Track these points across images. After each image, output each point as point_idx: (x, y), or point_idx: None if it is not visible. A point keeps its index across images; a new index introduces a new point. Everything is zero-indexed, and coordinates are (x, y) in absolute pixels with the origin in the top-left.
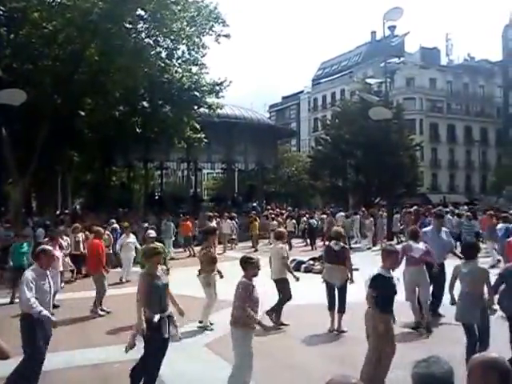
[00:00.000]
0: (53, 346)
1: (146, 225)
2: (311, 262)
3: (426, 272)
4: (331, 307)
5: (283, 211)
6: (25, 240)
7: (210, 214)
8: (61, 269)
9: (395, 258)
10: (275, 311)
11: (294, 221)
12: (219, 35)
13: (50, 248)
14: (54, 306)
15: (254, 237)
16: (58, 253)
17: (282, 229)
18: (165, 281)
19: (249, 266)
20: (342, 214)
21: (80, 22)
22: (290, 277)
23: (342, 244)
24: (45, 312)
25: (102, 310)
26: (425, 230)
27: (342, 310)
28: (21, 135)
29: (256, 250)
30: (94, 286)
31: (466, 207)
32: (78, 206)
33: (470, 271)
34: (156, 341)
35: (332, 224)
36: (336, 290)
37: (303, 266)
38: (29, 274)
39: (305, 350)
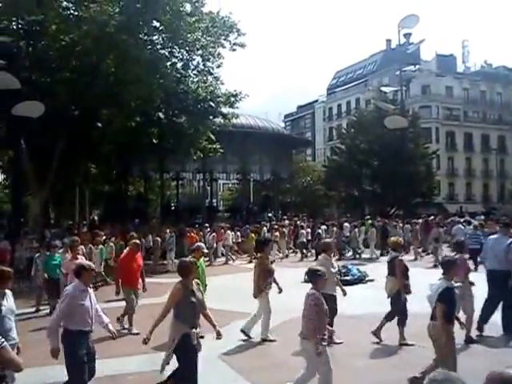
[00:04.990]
0: None
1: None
2: None
3: (466, 285)
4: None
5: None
6: (55, 251)
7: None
8: None
9: (456, 268)
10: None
11: (303, 231)
12: (234, 43)
13: (90, 263)
14: None
15: (250, 248)
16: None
17: (328, 240)
18: (200, 296)
19: (317, 277)
20: (348, 224)
21: (97, 34)
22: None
23: (394, 254)
24: (54, 345)
25: (124, 327)
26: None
27: (387, 318)
28: (39, 147)
29: (250, 261)
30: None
31: (482, 217)
32: (95, 217)
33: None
34: (191, 355)
35: (340, 234)
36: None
37: None
38: (70, 291)
39: None
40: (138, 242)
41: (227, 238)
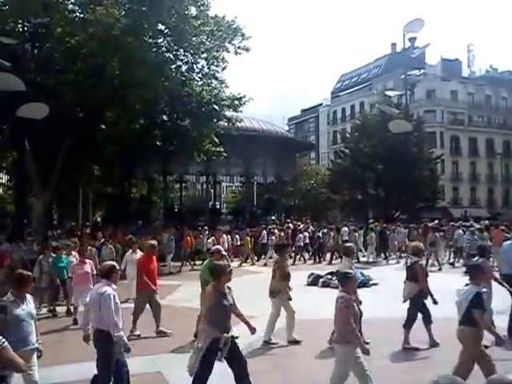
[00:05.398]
0: (70, 356)
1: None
2: (329, 277)
3: (489, 288)
4: (425, 322)
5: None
6: (61, 253)
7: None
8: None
9: (483, 273)
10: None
11: (301, 235)
12: (239, 47)
13: (116, 264)
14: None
15: (245, 252)
16: (87, 268)
17: (350, 244)
18: (231, 300)
19: (348, 280)
20: (346, 228)
21: (102, 36)
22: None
23: (414, 259)
24: (125, 339)
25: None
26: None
27: (405, 325)
28: (43, 149)
29: (253, 264)
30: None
31: (486, 222)
32: (99, 219)
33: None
34: (213, 360)
35: (336, 238)
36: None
37: (321, 280)
38: (110, 291)
39: (325, 365)
40: (154, 243)
41: (223, 241)
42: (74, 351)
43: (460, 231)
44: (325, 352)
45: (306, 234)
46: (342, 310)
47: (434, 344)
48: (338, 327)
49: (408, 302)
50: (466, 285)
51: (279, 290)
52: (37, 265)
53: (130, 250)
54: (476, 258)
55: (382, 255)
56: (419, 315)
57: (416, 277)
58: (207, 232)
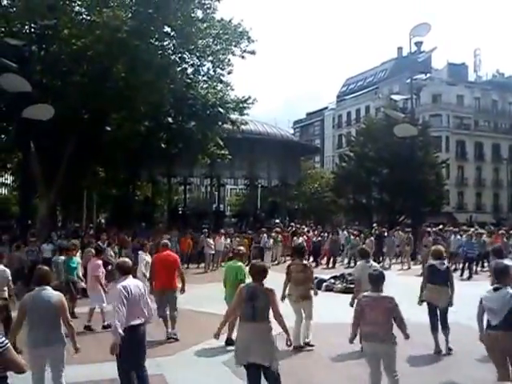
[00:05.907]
0: (79, 358)
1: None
2: (332, 281)
3: None
4: (434, 328)
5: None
6: (71, 254)
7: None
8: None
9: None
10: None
11: (301, 238)
12: (244, 51)
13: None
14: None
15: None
16: (101, 268)
17: (364, 246)
18: None
19: (383, 281)
20: (345, 233)
21: (109, 38)
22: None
23: (446, 264)
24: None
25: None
26: None
27: (446, 330)
28: (48, 150)
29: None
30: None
31: (492, 227)
32: (103, 220)
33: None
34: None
35: (335, 242)
36: (438, 310)
37: (324, 284)
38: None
39: (330, 369)
40: (167, 242)
41: (220, 244)
42: (82, 353)
43: (458, 237)
44: (330, 355)
45: (304, 237)
46: (395, 309)
47: (437, 351)
48: (383, 327)
49: (422, 305)
50: (495, 289)
51: (308, 293)
52: (53, 265)
53: (141, 252)
54: (494, 261)
55: (385, 259)
56: (426, 321)
57: (451, 280)
58: (207, 234)
